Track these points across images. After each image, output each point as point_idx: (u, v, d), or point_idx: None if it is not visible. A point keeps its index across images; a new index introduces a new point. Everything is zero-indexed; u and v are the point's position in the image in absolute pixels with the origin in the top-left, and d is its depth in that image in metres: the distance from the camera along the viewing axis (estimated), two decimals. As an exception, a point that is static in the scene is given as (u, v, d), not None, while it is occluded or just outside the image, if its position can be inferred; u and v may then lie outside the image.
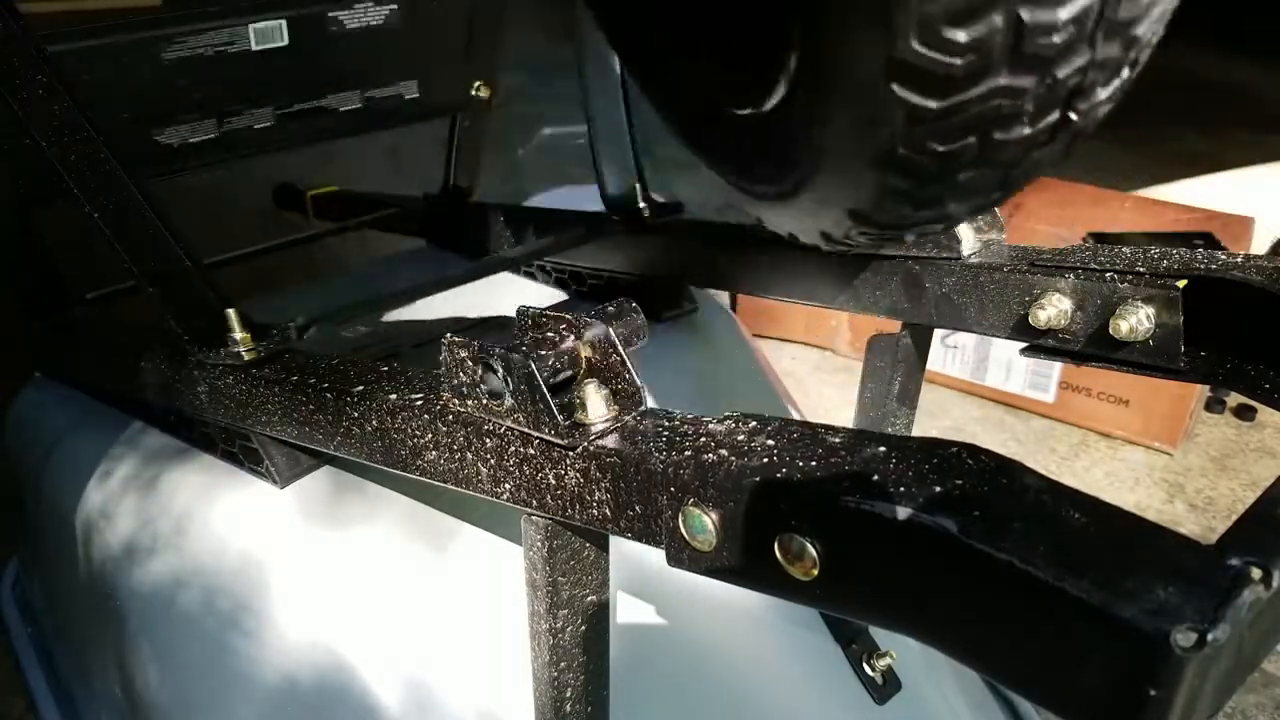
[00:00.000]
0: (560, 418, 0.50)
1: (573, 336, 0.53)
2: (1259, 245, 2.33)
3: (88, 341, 1.09)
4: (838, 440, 0.43)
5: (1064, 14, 0.42)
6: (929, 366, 1.32)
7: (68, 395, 1.13)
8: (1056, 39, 0.42)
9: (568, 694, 0.58)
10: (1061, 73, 0.44)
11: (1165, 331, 0.64)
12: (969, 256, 0.75)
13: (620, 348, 0.52)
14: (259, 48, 1.19)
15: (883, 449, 0.41)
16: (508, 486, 0.56)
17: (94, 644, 1.01)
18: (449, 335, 0.54)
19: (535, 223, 1.29)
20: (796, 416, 0.90)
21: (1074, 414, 2.29)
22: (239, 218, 1.43)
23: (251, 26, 1.17)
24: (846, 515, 0.39)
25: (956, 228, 0.73)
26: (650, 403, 0.53)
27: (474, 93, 1.39)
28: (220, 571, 0.85)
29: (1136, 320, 0.64)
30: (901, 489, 0.38)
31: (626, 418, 0.51)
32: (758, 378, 1.18)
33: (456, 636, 0.76)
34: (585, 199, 1.19)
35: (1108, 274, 0.66)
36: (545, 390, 0.50)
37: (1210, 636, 0.29)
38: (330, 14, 1.25)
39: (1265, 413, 2.38)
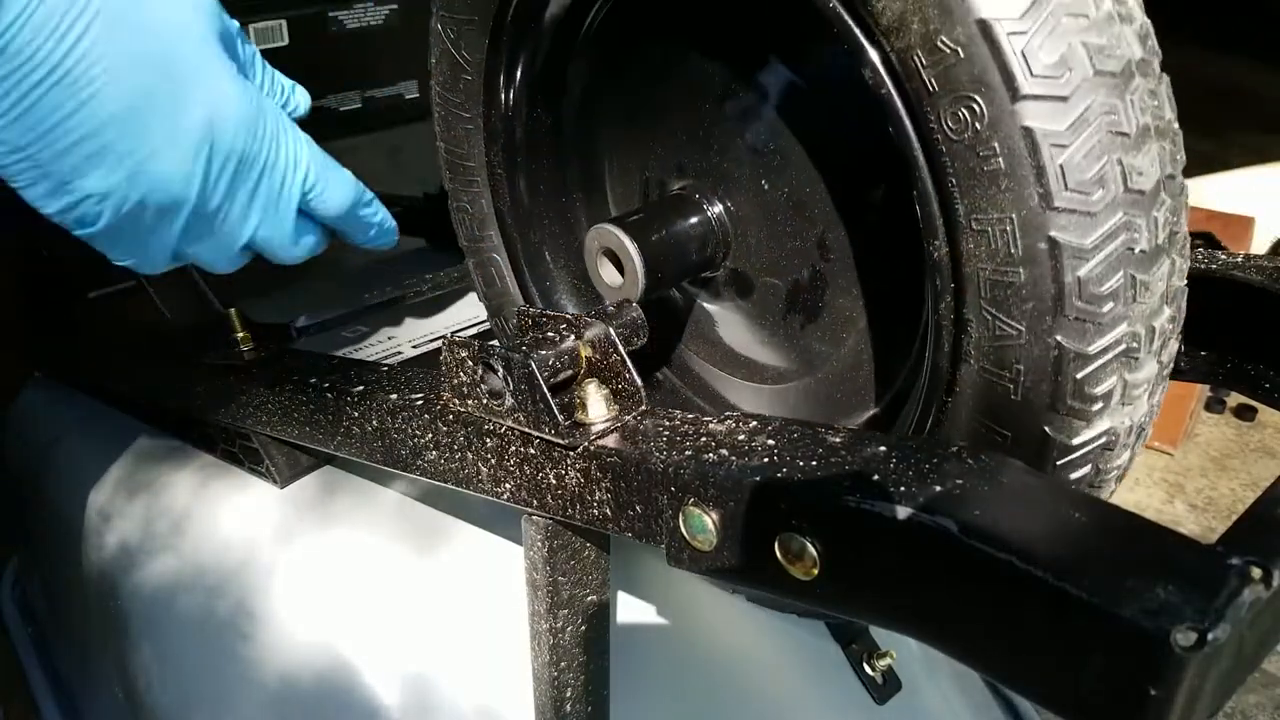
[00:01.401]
0: (560, 417, 0.50)
1: (573, 336, 0.53)
2: (1259, 245, 2.33)
3: (88, 341, 1.09)
4: (838, 440, 0.43)
5: None
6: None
7: (68, 395, 1.13)
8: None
9: (568, 694, 0.58)
10: None
11: (1165, 331, 0.64)
12: None
13: (620, 347, 0.52)
14: (259, 48, 1.18)
15: (883, 449, 0.41)
16: (508, 486, 0.56)
17: (95, 644, 1.01)
18: (449, 335, 0.55)
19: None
20: None
21: (1074, 414, 2.29)
22: (239, 218, 1.43)
23: (251, 26, 1.17)
24: (847, 515, 0.39)
25: None
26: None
27: (474, 93, 1.39)
28: (221, 572, 0.85)
29: (1137, 320, 0.64)
30: (902, 489, 0.38)
31: (627, 417, 0.51)
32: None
33: (457, 636, 0.76)
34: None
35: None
36: (545, 390, 0.50)
37: (1210, 636, 0.29)
38: (330, 14, 1.25)
39: (1265, 413, 2.38)
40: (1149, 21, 0.43)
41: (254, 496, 0.88)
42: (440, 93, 0.71)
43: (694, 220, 0.64)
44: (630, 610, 0.78)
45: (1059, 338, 0.42)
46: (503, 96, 0.69)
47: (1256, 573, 0.31)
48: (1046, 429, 0.44)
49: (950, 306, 0.45)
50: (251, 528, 0.86)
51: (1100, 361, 0.42)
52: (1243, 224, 2.21)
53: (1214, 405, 2.42)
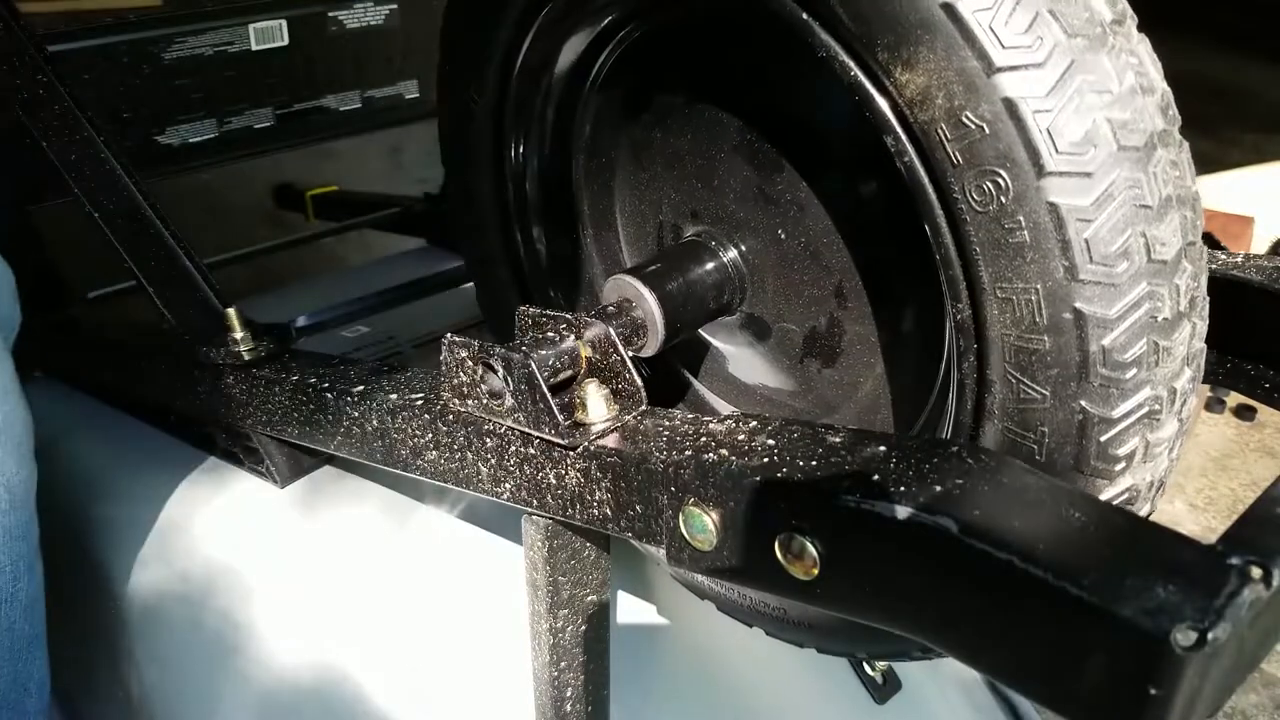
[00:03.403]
0: (561, 417, 0.50)
1: (573, 336, 0.53)
2: (1259, 245, 2.33)
3: (88, 341, 1.09)
4: (838, 440, 0.43)
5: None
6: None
7: (68, 395, 1.13)
8: None
9: (568, 694, 0.58)
10: None
11: (1165, 331, 0.64)
12: None
13: (621, 347, 0.52)
14: (259, 48, 1.19)
15: (883, 449, 0.41)
16: (508, 486, 0.56)
17: (94, 644, 1.01)
18: (449, 335, 0.54)
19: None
20: None
21: (1074, 414, 2.29)
22: (239, 218, 1.43)
23: (251, 26, 1.17)
24: (847, 515, 0.39)
25: None
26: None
27: (474, 92, 1.39)
28: (220, 572, 0.85)
29: (1138, 320, 0.64)
30: (902, 488, 0.38)
31: (627, 417, 0.51)
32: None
33: (457, 636, 0.76)
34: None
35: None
36: (545, 390, 0.50)
37: (1210, 635, 0.29)
38: (330, 14, 1.25)
39: (1265, 413, 2.38)
40: (1169, 90, 0.43)
41: (253, 496, 0.88)
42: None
43: (710, 267, 0.64)
44: (631, 610, 0.78)
45: (1083, 403, 0.42)
46: (512, 145, 0.71)
47: (1256, 572, 0.31)
48: None
49: (973, 366, 0.45)
50: (251, 528, 0.86)
51: (1124, 425, 0.43)
52: (1243, 224, 2.21)
53: (1214, 405, 2.42)
